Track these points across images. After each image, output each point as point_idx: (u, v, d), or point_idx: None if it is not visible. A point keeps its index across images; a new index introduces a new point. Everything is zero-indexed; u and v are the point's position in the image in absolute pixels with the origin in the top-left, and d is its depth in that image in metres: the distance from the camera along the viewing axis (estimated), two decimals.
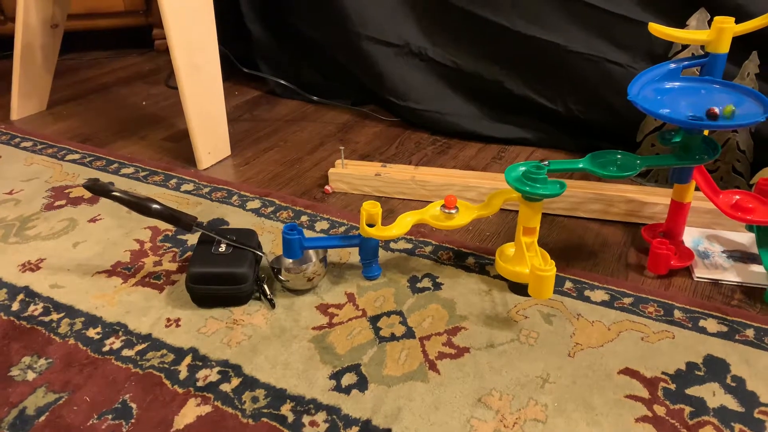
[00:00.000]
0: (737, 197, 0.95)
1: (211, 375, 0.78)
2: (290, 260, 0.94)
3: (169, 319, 0.88)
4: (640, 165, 0.90)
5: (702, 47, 0.93)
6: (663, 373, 0.79)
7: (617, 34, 1.27)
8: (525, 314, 0.89)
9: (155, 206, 0.94)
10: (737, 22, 0.90)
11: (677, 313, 0.89)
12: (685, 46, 1.18)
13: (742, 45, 1.04)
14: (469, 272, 0.98)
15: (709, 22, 1.06)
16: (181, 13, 1.22)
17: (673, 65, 0.94)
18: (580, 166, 0.91)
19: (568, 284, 0.95)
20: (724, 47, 0.90)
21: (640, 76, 0.92)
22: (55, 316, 0.88)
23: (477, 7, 1.37)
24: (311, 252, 0.96)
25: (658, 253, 0.95)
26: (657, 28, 0.93)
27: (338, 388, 0.76)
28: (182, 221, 0.94)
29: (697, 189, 0.98)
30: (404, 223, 0.94)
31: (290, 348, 0.83)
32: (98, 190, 0.94)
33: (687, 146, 0.93)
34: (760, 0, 1.11)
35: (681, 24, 1.17)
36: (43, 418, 0.72)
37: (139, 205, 0.94)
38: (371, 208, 0.92)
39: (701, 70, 0.94)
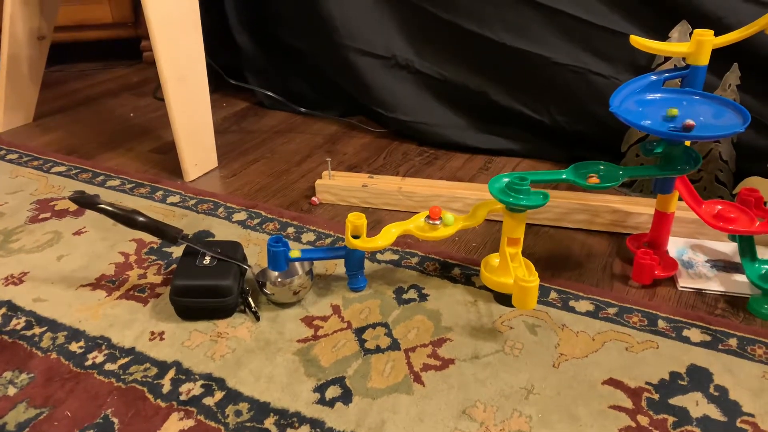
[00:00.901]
0: (719, 207, 0.96)
1: (195, 389, 0.78)
2: (276, 273, 0.94)
3: (153, 333, 0.87)
4: (622, 176, 0.91)
5: (683, 59, 0.94)
6: (647, 383, 0.79)
7: (601, 46, 1.28)
8: (510, 325, 0.89)
9: (141, 218, 0.94)
10: (718, 34, 0.91)
11: (661, 323, 0.89)
12: (667, 58, 1.19)
13: (723, 57, 1.05)
14: (455, 283, 0.98)
15: (691, 34, 1.07)
16: (168, 25, 1.22)
17: (654, 77, 0.95)
18: (564, 177, 0.92)
19: (553, 294, 0.95)
20: (704, 59, 0.91)
21: (622, 87, 0.93)
22: (37, 330, 0.88)
23: (463, 20, 1.38)
24: (297, 265, 0.95)
25: (642, 263, 0.96)
26: (638, 41, 0.94)
27: (322, 401, 0.76)
28: (167, 234, 0.94)
29: (680, 199, 0.98)
30: (389, 234, 0.94)
31: (274, 361, 0.82)
32: (84, 202, 0.94)
33: (669, 157, 0.93)
34: (741, 13, 1.13)
35: (664, 36, 1.19)
36: None
37: (125, 218, 0.94)
38: (356, 220, 0.92)
39: (682, 82, 0.95)
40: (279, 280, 0.93)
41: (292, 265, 0.95)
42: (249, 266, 0.95)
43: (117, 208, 0.94)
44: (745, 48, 1.04)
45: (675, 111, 0.87)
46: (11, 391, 0.78)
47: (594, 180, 0.90)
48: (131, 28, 2.05)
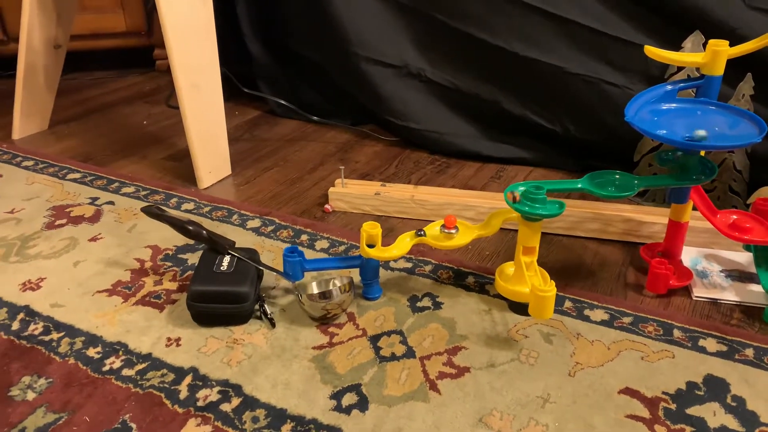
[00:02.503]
0: (734, 217, 0.96)
1: (212, 395, 0.78)
2: (315, 291, 0.93)
3: (169, 339, 0.88)
4: (638, 185, 0.91)
5: (697, 69, 0.95)
6: (663, 392, 0.79)
7: (614, 56, 1.29)
8: (525, 334, 0.89)
9: (195, 229, 0.97)
10: (732, 44, 0.92)
11: (677, 333, 0.89)
12: (680, 68, 1.20)
13: (736, 67, 1.06)
14: (469, 291, 0.99)
15: (704, 45, 1.07)
16: (184, 34, 1.23)
17: (669, 87, 0.95)
18: (579, 186, 0.92)
19: (567, 303, 0.95)
20: (719, 69, 0.92)
21: (637, 97, 0.94)
22: (55, 336, 0.88)
23: (475, 30, 1.39)
24: (337, 285, 0.93)
25: (657, 273, 0.96)
26: (653, 51, 0.94)
27: (339, 408, 0.76)
28: (219, 245, 0.96)
29: (694, 209, 0.98)
30: (404, 243, 0.94)
31: (291, 367, 0.83)
32: (152, 213, 0.99)
33: (684, 167, 0.94)
34: (754, 24, 1.13)
35: (677, 46, 1.19)
36: None
37: (183, 228, 0.97)
38: (371, 229, 0.93)
39: (697, 92, 0.95)
40: (315, 298, 0.92)
41: (333, 285, 0.93)
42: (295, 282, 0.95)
43: (177, 219, 0.99)
44: (759, 58, 1.05)
45: (703, 132, 0.85)
46: (30, 395, 0.78)
47: (514, 196, 0.88)
48: (144, 37, 2.07)
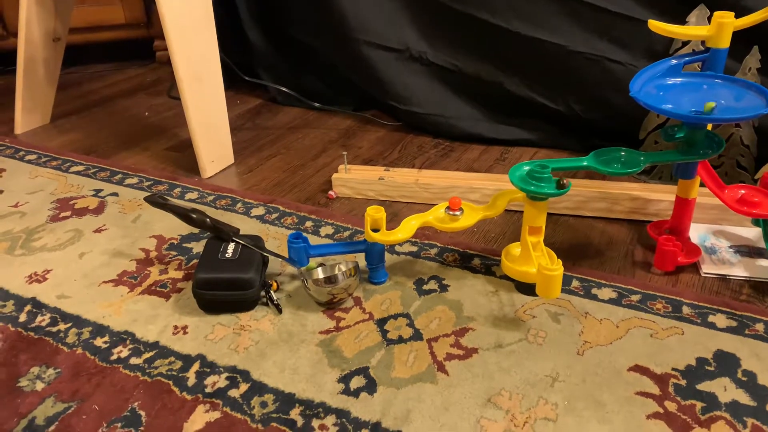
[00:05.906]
0: (743, 192, 0.94)
1: (220, 381, 0.78)
2: (321, 276, 0.93)
3: (176, 327, 0.88)
4: (644, 161, 0.90)
5: (702, 43, 0.93)
6: (673, 369, 0.78)
7: (617, 33, 1.27)
8: (532, 314, 0.89)
9: (199, 217, 0.97)
10: (738, 16, 0.90)
11: (686, 309, 0.88)
12: (685, 43, 1.18)
13: (742, 40, 1.04)
14: (475, 273, 0.98)
15: (709, 18, 1.06)
16: (183, 24, 1.22)
17: (674, 61, 0.94)
18: (585, 164, 0.91)
19: (575, 283, 0.95)
20: (725, 42, 0.90)
21: (642, 72, 0.92)
22: (62, 327, 0.88)
23: (475, 10, 1.37)
24: (342, 270, 0.92)
25: (665, 250, 0.95)
26: (657, 25, 0.93)
27: (347, 392, 0.76)
28: (224, 232, 0.96)
29: (702, 185, 0.97)
30: (409, 226, 0.94)
31: (298, 352, 0.83)
32: (154, 202, 1.00)
33: (691, 141, 0.92)
34: None
35: (681, 21, 1.18)
36: (52, 427, 0.72)
37: (187, 216, 0.97)
38: (375, 213, 0.92)
39: (702, 66, 0.94)
40: (321, 283, 0.91)
41: (339, 269, 0.93)
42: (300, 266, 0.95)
43: (180, 208, 0.99)
44: (766, 30, 1.03)
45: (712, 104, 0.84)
46: (39, 386, 0.78)
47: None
48: (144, 29, 2.06)
